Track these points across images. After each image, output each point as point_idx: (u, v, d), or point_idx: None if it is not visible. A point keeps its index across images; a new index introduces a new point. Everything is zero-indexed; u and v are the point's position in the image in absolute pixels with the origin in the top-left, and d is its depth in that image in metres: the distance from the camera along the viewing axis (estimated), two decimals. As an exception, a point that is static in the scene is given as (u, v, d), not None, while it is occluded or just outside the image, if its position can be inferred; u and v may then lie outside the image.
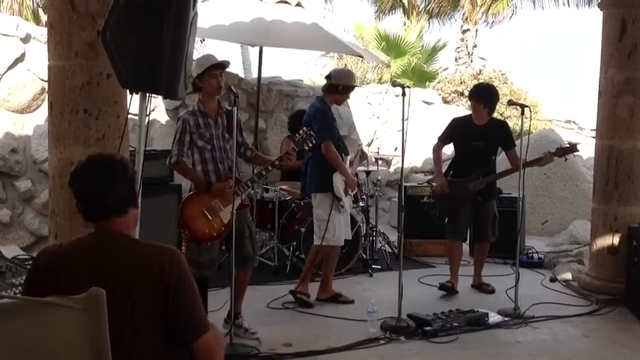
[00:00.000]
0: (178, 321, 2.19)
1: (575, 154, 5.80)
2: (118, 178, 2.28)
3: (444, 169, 5.93)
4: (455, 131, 5.83)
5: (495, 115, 6.01)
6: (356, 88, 5.68)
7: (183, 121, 4.41)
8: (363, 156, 5.58)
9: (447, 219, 5.95)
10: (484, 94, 5.75)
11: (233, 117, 4.28)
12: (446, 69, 16.14)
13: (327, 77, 5.41)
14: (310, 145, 4.79)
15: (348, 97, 5.67)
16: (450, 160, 6.09)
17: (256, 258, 4.68)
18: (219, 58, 4.52)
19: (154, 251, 2.26)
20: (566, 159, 5.54)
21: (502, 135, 5.79)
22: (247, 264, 4.55)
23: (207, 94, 4.49)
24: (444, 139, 5.90)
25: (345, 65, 15.92)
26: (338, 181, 5.16)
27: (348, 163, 5.40)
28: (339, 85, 5.30)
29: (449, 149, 6.40)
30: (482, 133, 5.67)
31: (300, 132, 4.79)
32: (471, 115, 5.84)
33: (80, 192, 2.27)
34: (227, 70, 4.60)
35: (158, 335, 2.18)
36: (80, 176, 2.28)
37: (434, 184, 5.89)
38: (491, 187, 5.76)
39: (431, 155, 6.09)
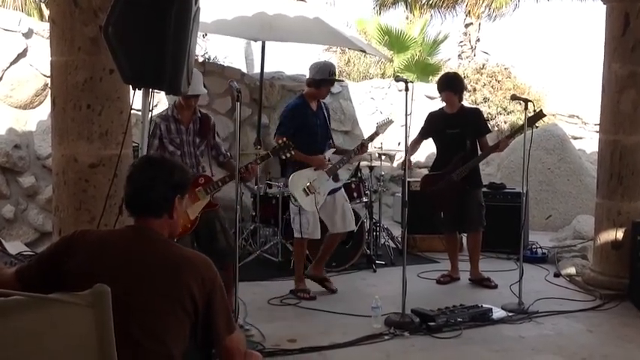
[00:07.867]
0: (208, 322, 2.22)
1: (543, 120, 5.76)
2: (161, 179, 2.31)
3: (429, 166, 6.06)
4: (431, 124, 5.96)
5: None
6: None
7: (155, 125, 4.40)
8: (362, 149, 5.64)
9: (442, 214, 6.04)
10: (453, 84, 5.91)
11: (234, 118, 4.27)
12: (448, 60, 16.10)
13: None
14: (288, 155, 4.79)
15: (328, 91, 5.58)
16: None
17: (232, 252, 4.34)
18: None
19: (188, 254, 2.29)
20: (536, 126, 5.54)
21: (476, 122, 5.91)
22: (226, 261, 4.28)
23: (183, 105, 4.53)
24: (422, 134, 6.03)
25: (348, 60, 15.84)
26: (295, 180, 5.19)
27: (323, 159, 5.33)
28: (311, 80, 5.35)
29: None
30: (455, 120, 5.81)
31: (279, 141, 4.84)
32: (443, 107, 6.01)
33: (126, 184, 2.33)
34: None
35: (180, 332, 2.18)
36: (130, 170, 2.36)
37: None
38: (475, 174, 5.83)
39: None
